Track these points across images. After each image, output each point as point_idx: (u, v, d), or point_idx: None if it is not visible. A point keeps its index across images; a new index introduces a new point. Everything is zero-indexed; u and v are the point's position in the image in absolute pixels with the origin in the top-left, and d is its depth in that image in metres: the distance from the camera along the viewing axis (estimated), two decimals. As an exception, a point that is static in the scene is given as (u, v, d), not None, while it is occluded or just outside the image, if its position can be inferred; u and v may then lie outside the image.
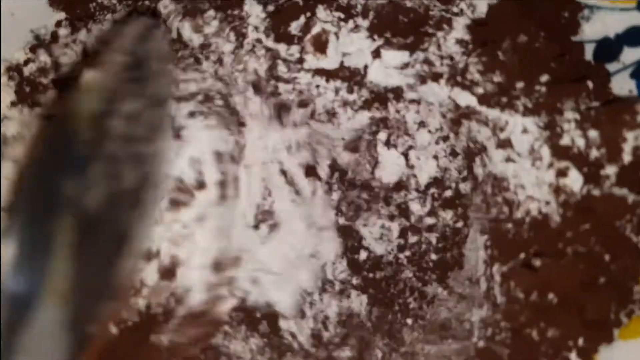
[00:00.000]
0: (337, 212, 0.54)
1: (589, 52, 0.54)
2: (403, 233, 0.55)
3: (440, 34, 0.52)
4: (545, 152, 0.49)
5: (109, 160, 0.44)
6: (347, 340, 0.52)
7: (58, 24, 0.61)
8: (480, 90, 0.50)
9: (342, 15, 0.53)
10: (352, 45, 0.53)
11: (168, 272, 0.51)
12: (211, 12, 0.55)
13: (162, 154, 0.49)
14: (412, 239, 0.55)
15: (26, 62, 0.60)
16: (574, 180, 0.48)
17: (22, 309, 0.39)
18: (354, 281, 0.53)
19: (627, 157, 0.48)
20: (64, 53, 0.59)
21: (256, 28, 0.54)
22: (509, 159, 0.51)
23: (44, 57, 0.59)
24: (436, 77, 0.52)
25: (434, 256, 0.54)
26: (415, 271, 0.54)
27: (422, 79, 0.52)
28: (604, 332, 0.50)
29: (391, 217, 0.55)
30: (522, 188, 0.50)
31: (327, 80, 0.54)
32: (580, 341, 0.49)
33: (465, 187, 0.55)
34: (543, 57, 0.52)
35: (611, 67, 0.53)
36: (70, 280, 0.41)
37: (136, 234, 0.46)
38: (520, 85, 0.50)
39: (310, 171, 0.54)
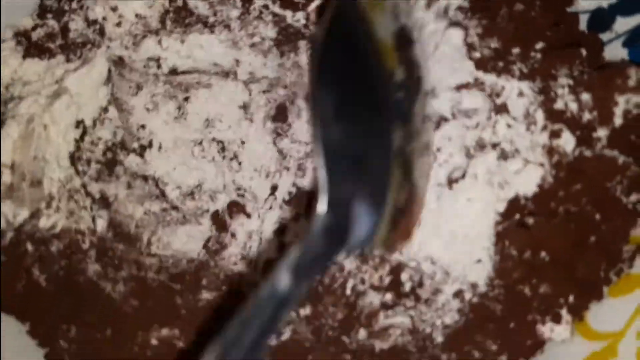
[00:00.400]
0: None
1: (583, 23, 0.55)
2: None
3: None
4: (540, 115, 0.51)
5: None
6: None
7: (66, -10, 0.62)
8: (477, 55, 0.52)
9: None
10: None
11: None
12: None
13: None
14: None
15: (34, 28, 0.61)
16: (567, 141, 0.50)
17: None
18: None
19: (618, 120, 0.50)
20: (72, 19, 0.60)
21: (261, -7, 0.56)
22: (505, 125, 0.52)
23: (52, 23, 0.61)
24: (435, 42, 0.53)
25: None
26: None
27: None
28: (594, 290, 0.51)
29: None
30: (517, 152, 0.52)
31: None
32: (571, 298, 0.51)
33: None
34: (539, 25, 0.53)
35: (604, 36, 0.54)
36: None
37: None
38: (516, 50, 0.52)
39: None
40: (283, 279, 0.39)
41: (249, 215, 0.55)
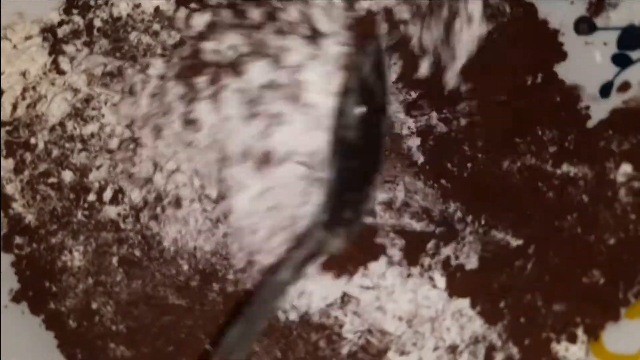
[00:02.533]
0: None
1: (612, 41, 0.54)
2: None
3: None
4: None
5: None
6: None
7: (91, -15, 0.61)
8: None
9: None
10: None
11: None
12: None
13: None
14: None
15: (60, 24, 0.60)
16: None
17: None
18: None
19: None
20: (96, 15, 0.60)
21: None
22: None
23: (77, 19, 0.60)
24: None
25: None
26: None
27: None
28: (611, 309, 0.51)
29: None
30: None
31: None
32: (588, 318, 0.51)
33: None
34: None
35: (634, 54, 0.53)
36: None
37: None
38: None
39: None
40: (285, 274, 0.48)
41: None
